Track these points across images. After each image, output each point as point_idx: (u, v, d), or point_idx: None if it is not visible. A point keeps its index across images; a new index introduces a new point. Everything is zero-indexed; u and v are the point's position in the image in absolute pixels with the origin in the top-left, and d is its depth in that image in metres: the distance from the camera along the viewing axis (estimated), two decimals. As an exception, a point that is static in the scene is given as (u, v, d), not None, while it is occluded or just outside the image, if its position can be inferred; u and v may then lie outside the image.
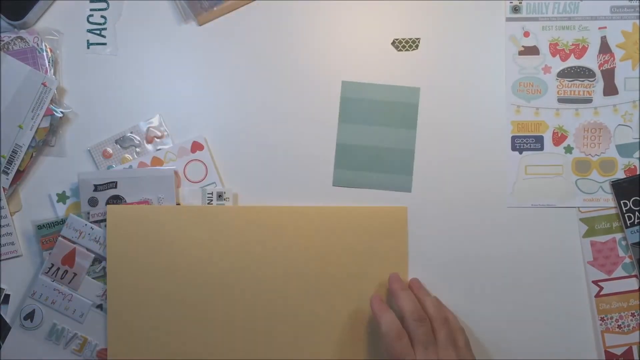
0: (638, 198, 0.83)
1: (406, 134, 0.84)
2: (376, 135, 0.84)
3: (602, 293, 0.83)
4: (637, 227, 0.82)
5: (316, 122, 0.85)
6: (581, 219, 0.84)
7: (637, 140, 0.84)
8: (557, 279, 0.84)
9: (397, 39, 0.85)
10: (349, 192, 0.84)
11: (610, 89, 0.84)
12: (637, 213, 0.82)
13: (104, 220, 0.81)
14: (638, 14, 0.84)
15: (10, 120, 0.82)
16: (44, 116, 0.82)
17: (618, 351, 0.83)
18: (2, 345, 0.81)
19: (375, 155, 0.84)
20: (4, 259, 0.83)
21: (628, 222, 0.83)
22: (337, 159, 0.84)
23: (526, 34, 0.85)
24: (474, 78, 0.85)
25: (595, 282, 0.83)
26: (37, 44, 0.83)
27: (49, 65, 0.83)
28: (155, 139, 0.85)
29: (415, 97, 0.84)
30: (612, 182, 0.83)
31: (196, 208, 0.81)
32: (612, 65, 0.84)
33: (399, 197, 0.84)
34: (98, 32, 0.85)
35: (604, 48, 0.84)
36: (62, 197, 0.83)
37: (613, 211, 0.84)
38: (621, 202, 0.83)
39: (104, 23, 0.85)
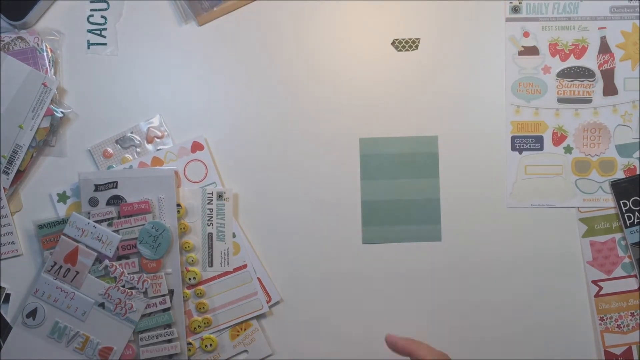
0: (638, 198, 0.83)
1: (429, 183, 0.85)
2: (399, 188, 0.85)
3: (601, 293, 0.83)
4: (636, 227, 0.82)
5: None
6: (581, 219, 0.84)
7: (637, 140, 0.84)
8: (557, 279, 0.84)
9: (397, 39, 0.85)
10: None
11: (609, 89, 0.84)
12: (636, 213, 0.82)
13: (105, 220, 0.82)
14: (638, 14, 0.84)
15: (10, 120, 0.82)
16: (44, 116, 0.83)
17: (617, 351, 0.83)
18: (4, 343, 0.81)
19: (401, 208, 0.85)
20: (4, 258, 0.83)
21: (627, 222, 0.83)
22: (364, 217, 0.85)
23: (526, 34, 0.85)
24: (474, 78, 0.85)
25: (595, 282, 0.83)
26: (38, 44, 0.83)
27: (49, 65, 0.83)
28: (156, 139, 0.85)
29: (434, 145, 0.85)
30: (612, 182, 0.83)
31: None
32: (611, 66, 0.84)
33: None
34: (98, 32, 0.85)
35: (604, 48, 0.84)
36: (62, 197, 0.84)
37: (612, 211, 0.84)
38: (620, 202, 0.83)
39: (104, 23, 0.85)
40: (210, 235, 0.84)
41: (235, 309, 0.84)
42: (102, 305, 0.81)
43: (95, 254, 0.82)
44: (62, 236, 0.81)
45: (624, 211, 0.83)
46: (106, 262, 0.81)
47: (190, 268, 0.83)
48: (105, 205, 0.82)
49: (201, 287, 0.84)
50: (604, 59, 0.84)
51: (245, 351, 0.84)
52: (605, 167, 0.84)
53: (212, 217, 0.84)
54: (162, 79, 0.85)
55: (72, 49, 0.85)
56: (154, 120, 0.85)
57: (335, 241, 0.85)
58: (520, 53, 0.85)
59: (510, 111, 0.85)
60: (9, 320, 0.83)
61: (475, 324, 0.84)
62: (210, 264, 0.84)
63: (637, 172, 0.84)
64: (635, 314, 0.83)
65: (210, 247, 0.84)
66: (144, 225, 0.82)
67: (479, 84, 0.85)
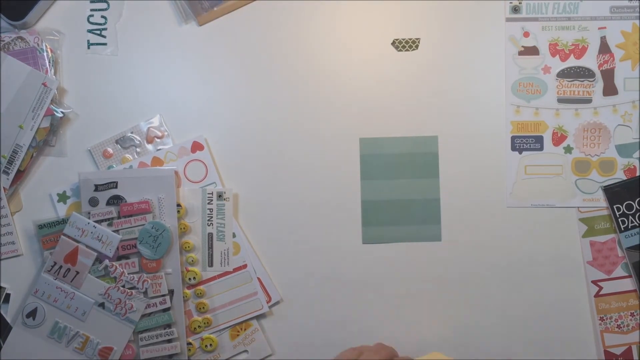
0: (631, 202, 0.82)
1: (429, 183, 0.85)
2: (399, 188, 0.84)
3: (601, 293, 0.83)
4: (631, 232, 0.82)
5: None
6: (581, 219, 0.84)
7: (637, 140, 0.84)
8: (557, 279, 0.84)
9: (397, 39, 0.85)
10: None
11: (609, 89, 0.84)
12: (630, 217, 0.82)
13: (105, 220, 0.82)
14: (638, 14, 0.84)
15: (10, 120, 0.82)
16: (44, 116, 0.83)
17: (617, 351, 0.83)
18: (4, 343, 0.81)
19: (401, 208, 0.85)
20: (4, 258, 0.83)
21: (622, 227, 0.82)
22: (364, 217, 0.84)
23: (526, 34, 0.85)
24: (474, 78, 0.85)
25: (595, 282, 0.83)
26: (38, 44, 0.83)
27: (49, 65, 0.83)
28: (156, 139, 0.85)
29: (433, 145, 0.85)
30: (604, 187, 0.83)
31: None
32: (611, 66, 0.84)
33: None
34: (98, 32, 0.85)
35: (604, 48, 0.84)
36: (62, 197, 0.84)
37: (612, 211, 0.84)
38: (614, 206, 0.82)
39: (105, 23, 0.85)
40: (210, 235, 0.84)
41: (235, 309, 0.84)
42: (102, 305, 0.81)
43: (95, 254, 0.82)
44: (62, 236, 0.81)
45: (618, 216, 0.83)
46: (106, 262, 0.81)
47: (190, 268, 0.84)
48: (105, 205, 0.82)
49: (201, 287, 0.84)
50: (604, 59, 0.84)
51: (245, 351, 0.84)
52: (605, 167, 0.84)
53: (212, 217, 0.84)
54: (162, 79, 0.85)
55: (72, 49, 0.85)
56: (154, 120, 0.85)
57: (335, 241, 0.85)
58: (520, 53, 0.85)
59: (510, 111, 0.85)
60: (9, 320, 0.83)
61: (475, 324, 0.84)
62: (210, 264, 0.84)
63: (637, 173, 0.84)
64: (635, 314, 0.83)
65: (210, 247, 0.84)
66: (144, 225, 0.82)
67: (479, 84, 0.85)
